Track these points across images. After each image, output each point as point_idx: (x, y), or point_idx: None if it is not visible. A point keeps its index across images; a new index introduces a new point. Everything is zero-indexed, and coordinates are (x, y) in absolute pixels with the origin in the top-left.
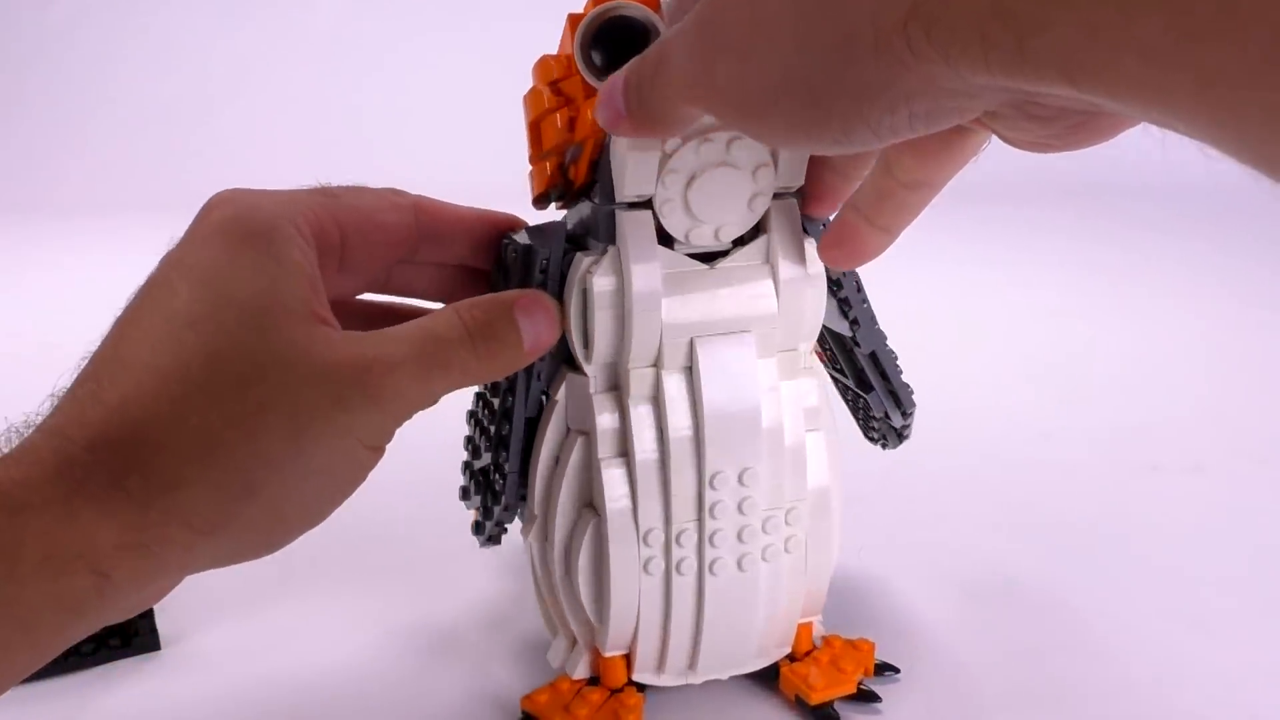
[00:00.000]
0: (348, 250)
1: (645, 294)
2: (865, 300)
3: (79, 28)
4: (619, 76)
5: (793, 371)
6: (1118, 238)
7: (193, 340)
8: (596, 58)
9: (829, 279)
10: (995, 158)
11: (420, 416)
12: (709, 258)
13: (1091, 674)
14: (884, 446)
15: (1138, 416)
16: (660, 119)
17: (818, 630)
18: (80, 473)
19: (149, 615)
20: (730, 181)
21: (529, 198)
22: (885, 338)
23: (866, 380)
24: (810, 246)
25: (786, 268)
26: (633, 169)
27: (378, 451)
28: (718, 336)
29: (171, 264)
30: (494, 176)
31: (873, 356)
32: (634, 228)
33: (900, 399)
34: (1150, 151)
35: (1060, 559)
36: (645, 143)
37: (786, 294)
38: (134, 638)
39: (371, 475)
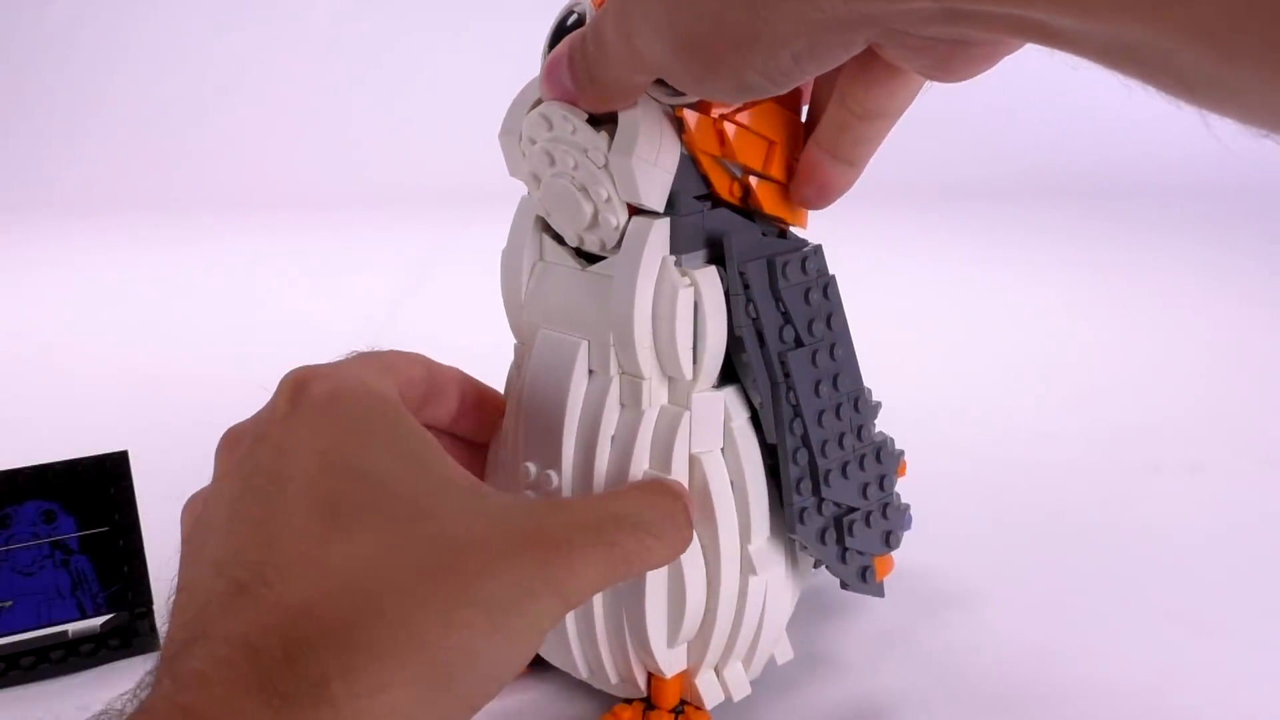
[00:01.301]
0: None
1: (502, 270)
2: (791, 388)
3: (79, 28)
4: (561, 53)
5: (634, 402)
6: (1118, 238)
7: (362, 533)
8: None
9: (762, 328)
10: (996, 158)
11: None
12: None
13: (1091, 674)
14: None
15: (1139, 416)
16: (614, 92)
17: (710, 694)
18: (285, 686)
19: (148, 615)
20: (560, 194)
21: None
22: (797, 448)
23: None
24: (661, 270)
25: (617, 282)
26: (504, 153)
27: (545, 634)
28: (557, 334)
29: (288, 448)
30: (500, 177)
31: (772, 450)
32: (521, 209)
33: (800, 521)
34: (1151, 152)
35: (1060, 559)
36: (509, 127)
37: (614, 309)
38: (134, 638)
39: None
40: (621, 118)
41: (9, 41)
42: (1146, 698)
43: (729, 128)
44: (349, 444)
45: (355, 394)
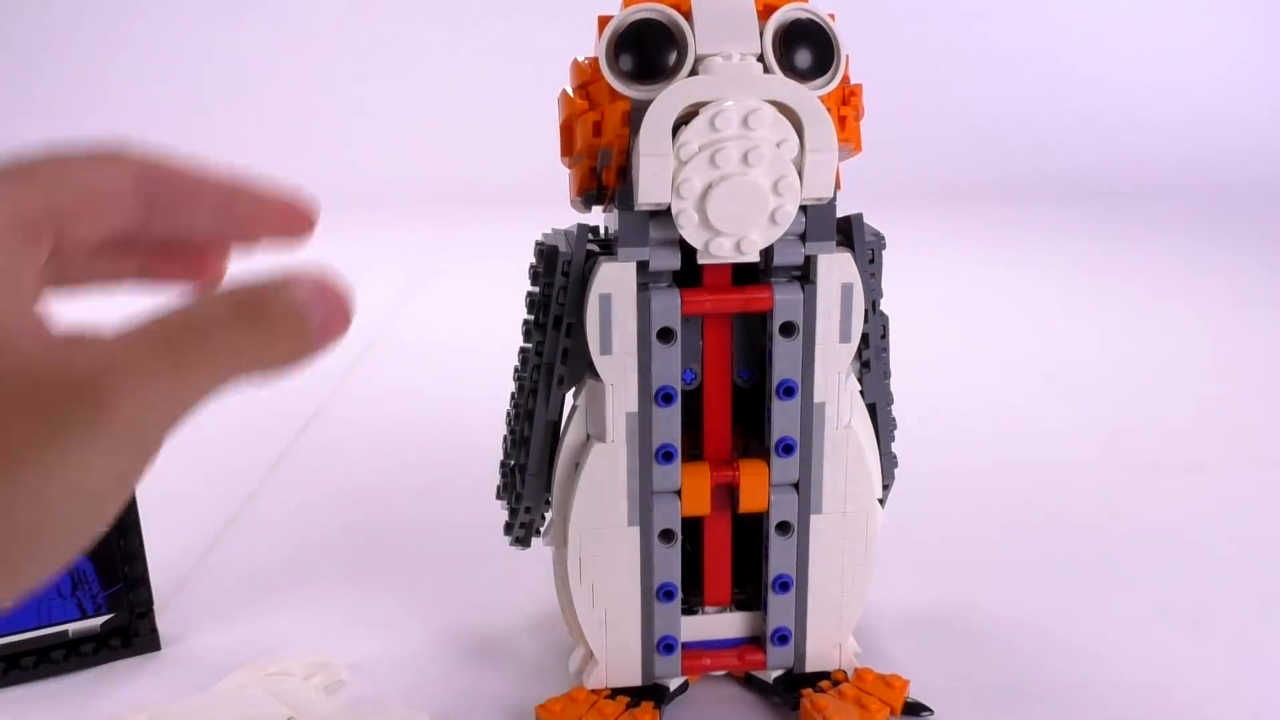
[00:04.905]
0: (63, 241)
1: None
2: (886, 349)
3: (79, 28)
4: None
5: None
6: (1119, 237)
7: None
8: (626, 62)
9: (877, 297)
10: (997, 158)
11: (459, 415)
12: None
13: (1091, 673)
14: None
15: (1139, 416)
16: None
17: (848, 657)
18: None
19: (148, 615)
20: (749, 194)
21: (561, 197)
22: (891, 399)
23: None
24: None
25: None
26: (646, 176)
27: (126, 478)
28: None
29: None
30: (500, 177)
31: (872, 409)
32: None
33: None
34: (1151, 152)
35: (1061, 558)
36: (659, 148)
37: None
38: (134, 638)
39: (374, 474)
40: (808, 113)
41: (10, 41)
42: (1146, 696)
43: (849, 112)
44: None
45: None
